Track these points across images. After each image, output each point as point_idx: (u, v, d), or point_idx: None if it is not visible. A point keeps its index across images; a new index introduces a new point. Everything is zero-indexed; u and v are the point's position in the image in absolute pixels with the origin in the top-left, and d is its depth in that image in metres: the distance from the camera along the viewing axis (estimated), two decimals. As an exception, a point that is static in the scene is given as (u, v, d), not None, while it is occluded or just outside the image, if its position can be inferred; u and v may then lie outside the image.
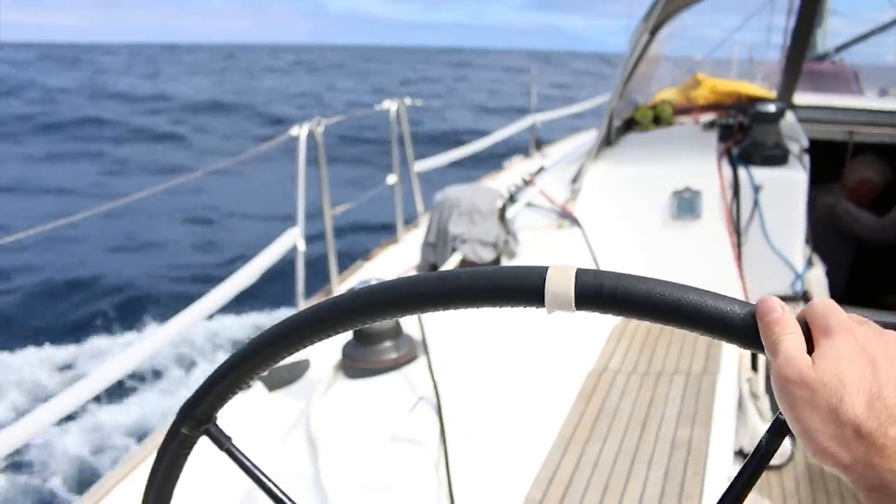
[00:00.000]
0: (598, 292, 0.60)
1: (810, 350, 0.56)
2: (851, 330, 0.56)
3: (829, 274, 4.69)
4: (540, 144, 6.33)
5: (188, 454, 0.78)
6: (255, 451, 1.78)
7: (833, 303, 0.59)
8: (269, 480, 0.77)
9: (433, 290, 0.64)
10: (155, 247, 12.07)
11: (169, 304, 8.39)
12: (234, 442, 0.78)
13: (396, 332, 2.35)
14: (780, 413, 0.57)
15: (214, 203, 14.64)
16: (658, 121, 4.87)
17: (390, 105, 4.10)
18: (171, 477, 0.79)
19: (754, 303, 0.59)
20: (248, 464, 0.77)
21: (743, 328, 0.58)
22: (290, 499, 0.77)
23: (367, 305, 0.66)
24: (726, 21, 6.08)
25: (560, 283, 0.60)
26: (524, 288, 0.61)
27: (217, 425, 0.77)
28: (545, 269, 0.62)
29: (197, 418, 0.75)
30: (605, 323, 3.38)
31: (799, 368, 0.53)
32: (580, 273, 0.61)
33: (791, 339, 0.56)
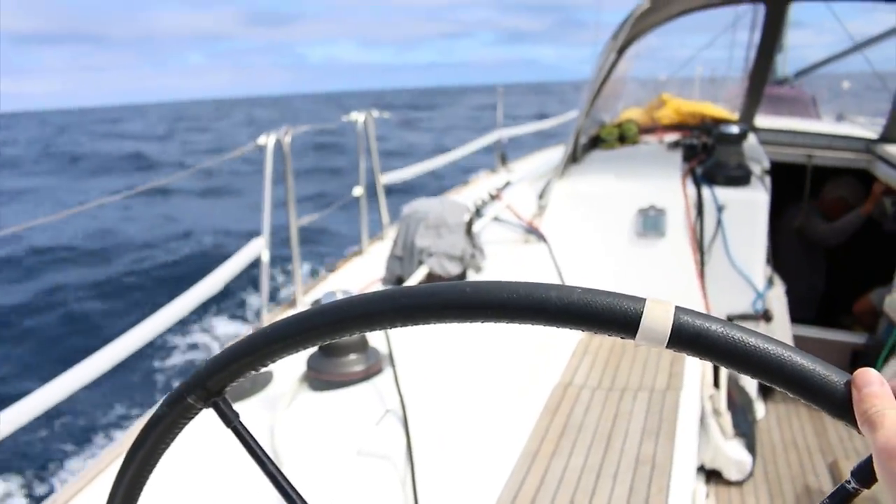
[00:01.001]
0: (696, 336, 0.59)
1: None
2: None
3: (796, 292, 4.79)
4: (505, 160, 6.36)
5: (184, 426, 0.74)
6: (221, 464, 1.74)
7: None
8: (273, 465, 0.73)
9: (523, 303, 0.62)
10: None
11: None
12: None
13: (363, 345, 2.32)
14: (870, 462, 0.57)
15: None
16: (623, 139, 4.93)
17: (357, 116, 4.08)
18: (161, 445, 0.75)
19: (850, 374, 0.59)
20: (253, 445, 0.73)
21: (837, 397, 0.58)
22: (293, 487, 0.74)
23: (455, 305, 0.64)
24: (691, 41, 6.18)
25: (657, 319, 0.59)
26: (620, 317, 0.60)
27: (227, 399, 0.73)
28: (643, 301, 0.60)
29: (208, 389, 0.71)
30: (570, 337, 3.39)
31: None
32: (679, 312, 0.60)
33: (894, 413, 0.56)
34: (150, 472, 0.77)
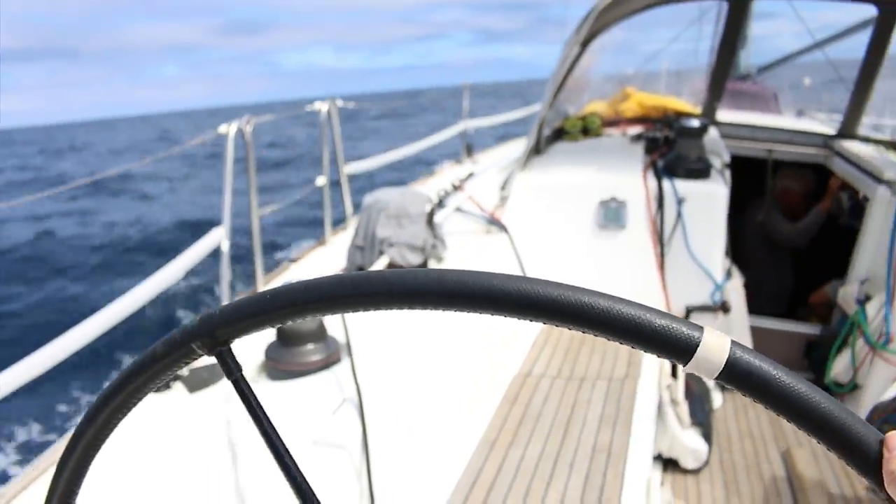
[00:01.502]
0: (748, 374, 0.60)
1: None
2: None
3: (758, 285, 4.87)
4: (471, 150, 6.37)
5: (177, 370, 0.71)
6: (174, 456, 1.73)
7: None
8: (270, 424, 0.72)
9: (589, 310, 0.61)
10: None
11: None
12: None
13: (321, 334, 2.31)
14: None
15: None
16: (587, 131, 4.96)
17: (321, 106, 4.05)
18: (149, 386, 0.72)
19: (881, 435, 0.61)
20: (252, 401, 0.71)
21: (869, 456, 0.60)
22: (288, 451, 0.72)
23: (521, 297, 0.63)
24: (659, 34, 6.23)
25: (713, 352, 0.60)
26: (679, 342, 0.60)
27: (231, 350, 0.71)
28: (701, 331, 0.60)
29: (216, 337, 0.68)
30: (530, 328, 3.41)
31: None
32: (734, 346, 0.60)
33: None
34: (130, 408, 0.75)
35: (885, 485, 0.58)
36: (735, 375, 0.60)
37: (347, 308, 0.65)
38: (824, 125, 5.69)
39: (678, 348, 0.60)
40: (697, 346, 0.60)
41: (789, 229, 5.09)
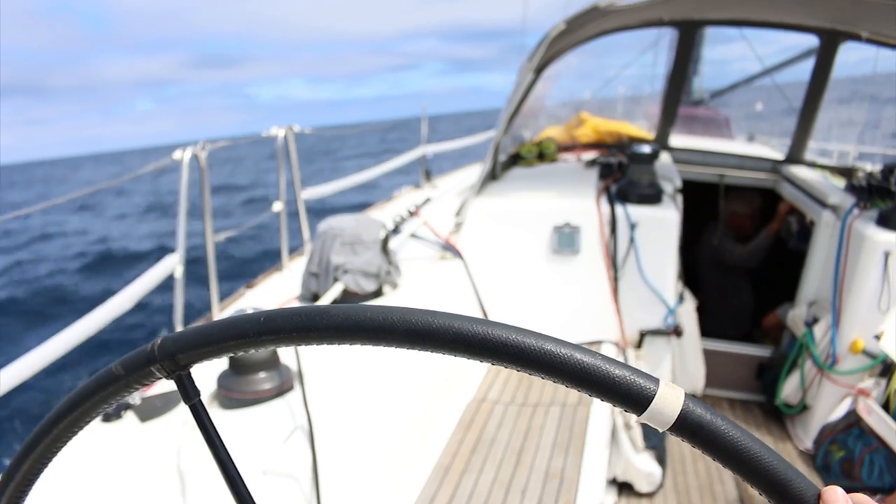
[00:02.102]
0: (699, 429, 0.63)
1: None
2: None
3: (715, 307, 4.95)
4: (430, 175, 6.39)
5: (133, 391, 0.71)
6: (126, 486, 1.71)
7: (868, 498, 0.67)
8: (226, 451, 0.71)
9: (547, 357, 0.63)
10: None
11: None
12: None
13: (273, 362, 2.30)
14: None
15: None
16: (542, 157, 5.02)
17: (277, 131, 4.04)
18: (104, 405, 0.72)
19: (818, 487, 0.63)
20: (209, 427, 0.71)
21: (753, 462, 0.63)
22: (242, 480, 0.71)
23: (472, 338, 0.63)
24: (618, 59, 6.34)
25: (667, 405, 0.62)
26: (634, 394, 0.62)
27: (191, 375, 0.71)
28: (657, 383, 0.62)
29: (176, 361, 0.68)
30: None
31: None
32: (688, 401, 0.62)
33: None
34: (78, 429, 0.74)
35: None
36: (686, 428, 0.62)
37: (318, 340, 0.66)
38: (774, 150, 5.84)
39: (634, 400, 0.62)
40: (653, 398, 0.62)
41: (739, 251, 5.21)
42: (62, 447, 0.76)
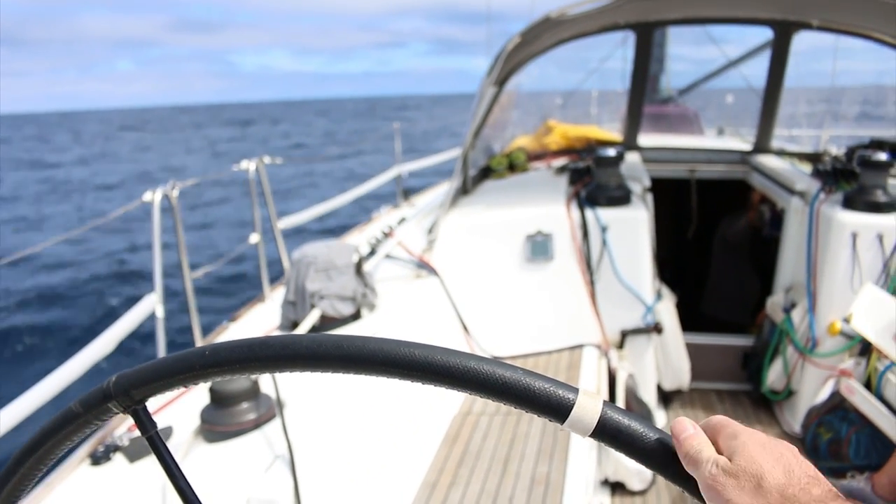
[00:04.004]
0: (618, 433, 0.67)
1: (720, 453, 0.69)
2: (752, 430, 0.70)
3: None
4: (407, 194, 6.43)
5: (95, 428, 0.74)
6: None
7: (727, 418, 0.73)
8: (184, 479, 0.74)
9: (468, 375, 0.67)
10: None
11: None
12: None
13: (254, 393, 2.33)
14: None
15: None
16: (513, 167, 5.08)
17: (248, 164, 4.08)
18: (66, 444, 0.75)
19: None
20: (166, 457, 0.74)
21: (666, 456, 0.69)
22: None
23: (402, 365, 0.68)
24: (585, 65, 6.40)
25: (587, 412, 0.66)
26: (554, 404, 0.67)
27: (146, 408, 0.74)
28: (577, 393, 0.67)
29: (131, 396, 0.71)
30: None
31: (720, 465, 0.66)
32: (606, 408, 0.67)
33: (705, 447, 0.69)
34: (43, 467, 0.77)
35: (686, 467, 0.68)
36: (606, 433, 0.67)
37: (260, 370, 0.70)
38: (743, 142, 5.92)
39: (554, 409, 0.67)
40: (572, 407, 0.66)
41: (732, 228, 5.39)
42: (28, 487, 0.79)
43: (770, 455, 0.66)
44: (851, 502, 0.63)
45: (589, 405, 0.66)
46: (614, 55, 5.91)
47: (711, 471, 0.66)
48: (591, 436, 0.67)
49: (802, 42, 4.82)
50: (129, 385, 0.71)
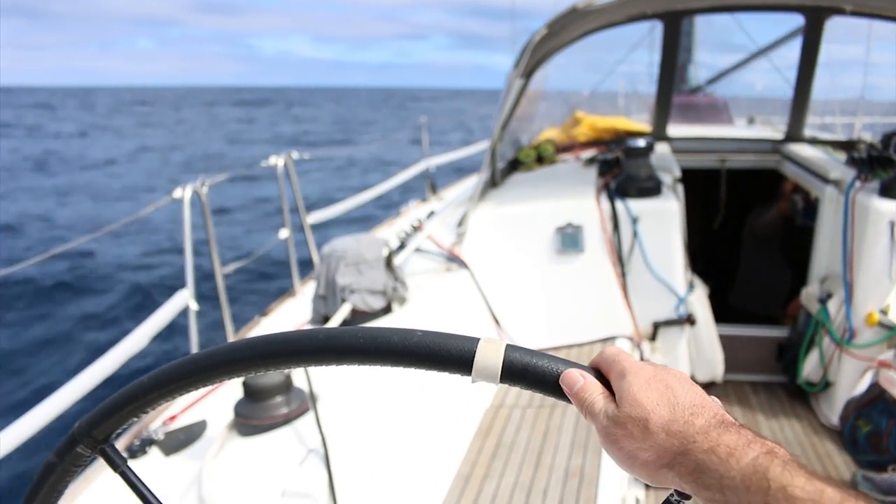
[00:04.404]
0: (524, 372, 0.67)
1: (613, 393, 0.69)
2: (639, 365, 0.70)
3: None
4: (435, 188, 6.43)
5: (77, 473, 0.76)
6: None
7: (619, 349, 0.74)
8: None
9: (368, 347, 0.67)
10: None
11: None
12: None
13: (286, 387, 2.34)
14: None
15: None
16: (541, 160, 5.05)
17: (277, 160, 4.10)
18: (54, 494, 0.77)
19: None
20: (141, 488, 0.76)
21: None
22: None
23: (306, 351, 0.68)
24: (610, 56, 6.34)
25: (490, 358, 0.66)
26: (456, 357, 0.66)
27: (113, 446, 0.76)
28: (476, 342, 0.66)
29: (94, 437, 0.74)
30: None
31: (609, 416, 0.68)
32: (508, 350, 0.66)
33: (597, 398, 0.70)
34: None
35: (587, 416, 0.69)
36: (515, 375, 0.66)
37: (203, 383, 0.72)
38: (774, 131, 5.83)
39: (457, 362, 0.66)
40: (473, 355, 0.65)
41: (762, 220, 5.27)
42: None
43: (654, 391, 0.66)
44: (740, 426, 0.63)
45: (490, 350, 0.65)
46: (635, 52, 5.88)
47: (603, 423, 0.68)
48: (501, 381, 0.66)
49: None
50: (89, 427, 0.74)
